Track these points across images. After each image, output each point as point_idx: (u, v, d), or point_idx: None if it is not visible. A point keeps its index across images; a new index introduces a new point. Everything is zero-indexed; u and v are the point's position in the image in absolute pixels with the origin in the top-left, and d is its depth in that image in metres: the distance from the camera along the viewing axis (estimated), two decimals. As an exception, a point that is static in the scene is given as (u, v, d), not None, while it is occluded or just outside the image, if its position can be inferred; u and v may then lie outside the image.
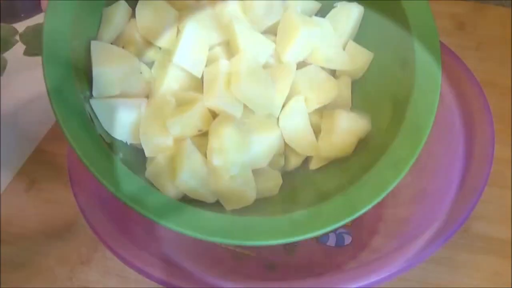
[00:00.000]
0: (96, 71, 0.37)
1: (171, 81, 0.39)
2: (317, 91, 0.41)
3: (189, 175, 0.36)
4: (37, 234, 0.49)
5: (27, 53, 0.64)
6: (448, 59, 0.45)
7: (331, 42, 0.42)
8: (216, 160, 0.36)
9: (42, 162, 0.56)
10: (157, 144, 0.37)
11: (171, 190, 0.36)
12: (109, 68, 0.37)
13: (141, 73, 0.39)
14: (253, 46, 0.40)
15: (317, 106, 0.41)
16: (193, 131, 0.37)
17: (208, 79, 0.39)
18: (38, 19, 0.68)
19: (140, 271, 0.35)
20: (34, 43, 0.64)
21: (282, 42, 0.41)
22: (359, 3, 0.43)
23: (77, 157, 0.33)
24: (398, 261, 0.34)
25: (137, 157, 0.38)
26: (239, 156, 0.36)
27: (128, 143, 0.38)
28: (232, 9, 0.40)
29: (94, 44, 0.38)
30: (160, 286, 0.36)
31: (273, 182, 0.40)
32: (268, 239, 0.34)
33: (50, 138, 0.58)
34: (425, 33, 0.38)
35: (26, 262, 0.47)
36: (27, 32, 0.67)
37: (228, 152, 0.36)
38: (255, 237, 0.34)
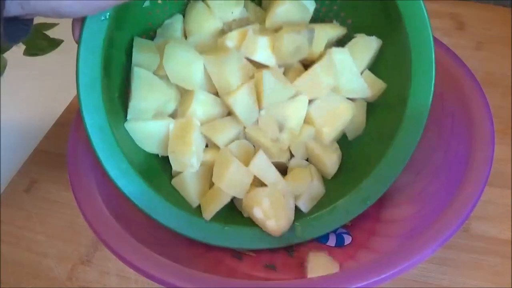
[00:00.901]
0: (134, 101, 0.42)
1: (197, 107, 0.43)
2: (332, 122, 0.44)
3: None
4: (37, 234, 0.49)
5: (27, 53, 0.64)
6: (448, 59, 0.45)
7: (351, 71, 0.44)
8: (263, 221, 0.43)
9: (42, 162, 0.56)
10: (184, 162, 0.43)
11: (194, 201, 0.44)
12: (148, 101, 0.42)
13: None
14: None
15: (334, 135, 0.45)
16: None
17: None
18: (38, 19, 0.68)
19: (140, 271, 0.35)
20: (34, 43, 0.64)
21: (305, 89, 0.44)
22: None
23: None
24: (398, 261, 0.34)
25: (164, 164, 0.44)
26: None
27: (160, 156, 0.44)
28: (262, 45, 0.43)
29: (137, 72, 0.42)
30: (160, 286, 0.36)
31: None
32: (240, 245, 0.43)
33: (50, 138, 0.58)
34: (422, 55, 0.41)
35: (26, 262, 0.48)
36: (27, 32, 0.67)
37: (273, 215, 0.43)
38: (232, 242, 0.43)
